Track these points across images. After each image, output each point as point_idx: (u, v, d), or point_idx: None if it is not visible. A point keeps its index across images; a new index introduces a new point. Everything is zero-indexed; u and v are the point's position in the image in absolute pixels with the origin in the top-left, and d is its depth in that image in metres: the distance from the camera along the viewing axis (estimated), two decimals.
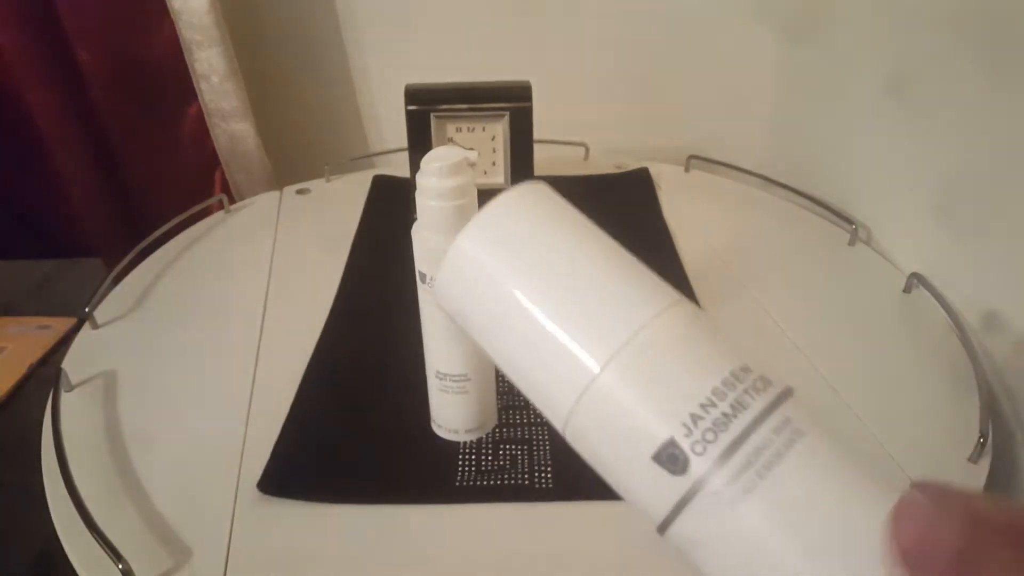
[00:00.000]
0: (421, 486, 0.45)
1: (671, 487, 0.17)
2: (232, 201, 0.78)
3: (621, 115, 0.92)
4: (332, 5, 0.88)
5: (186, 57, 0.80)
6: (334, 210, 0.77)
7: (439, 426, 0.47)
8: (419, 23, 0.88)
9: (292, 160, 0.93)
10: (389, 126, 0.96)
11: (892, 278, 0.64)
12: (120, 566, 0.38)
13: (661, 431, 0.18)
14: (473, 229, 0.22)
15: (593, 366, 0.19)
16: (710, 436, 0.17)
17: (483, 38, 0.88)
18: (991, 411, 0.48)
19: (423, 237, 0.40)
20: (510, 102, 0.67)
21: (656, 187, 0.80)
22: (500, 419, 0.49)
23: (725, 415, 0.17)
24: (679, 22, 0.86)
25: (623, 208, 0.77)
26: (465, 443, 0.47)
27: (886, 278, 0.64)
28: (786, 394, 0.18)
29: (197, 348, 0.57)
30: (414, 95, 0.67)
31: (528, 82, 0.67)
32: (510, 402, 0.50)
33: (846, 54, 0.72)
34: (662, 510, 0.18)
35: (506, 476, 0.45)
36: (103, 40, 0.81)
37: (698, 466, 0.17)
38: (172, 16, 0.77)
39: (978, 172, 0.57)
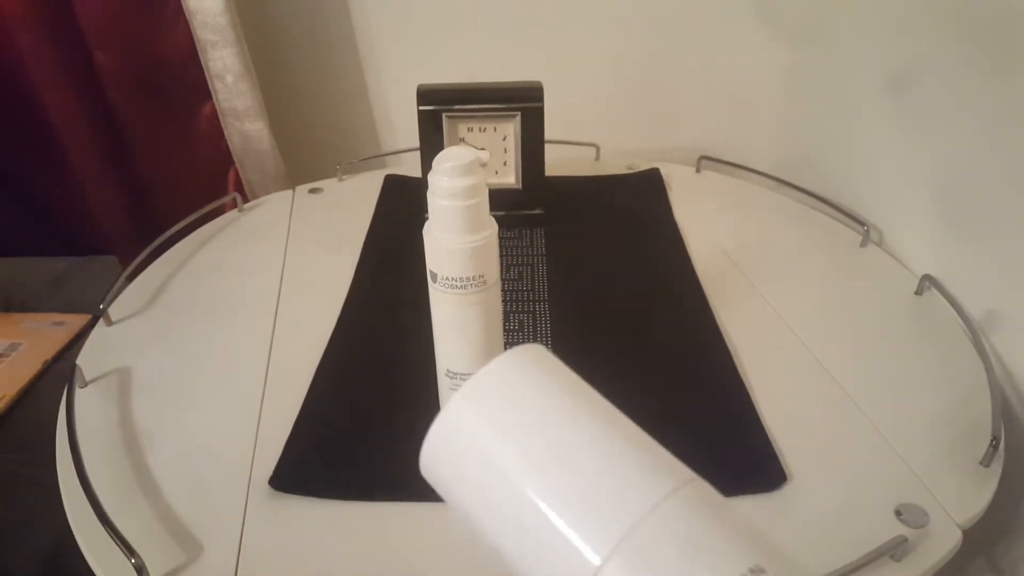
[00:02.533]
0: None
1: None
2: (245, 200, 0.79)
3: (632, 116, 0.92)
4: (345, 6, 0.89)
5: (200, 57, 0.80)
6: (346, 209, 0.77)
7: None
8: (431, 24, 0.89)
9: (305, 159, 0.94)
10: (401, 126, 0.96)
11: (904, 280, 0.63)
12: (133, 560, 0.38)
13: None
14: (462, 399, 0.21)
15: (591, 563, 0.17)
16: None
17: (495, 39, 0.89)
18: (1003, 414, 0.48)
19: (434, 236, 0.40)
20: (521, 102, 0.67)
21: (667, 188, 0.80)
22: None
23: None
24: (690, 23, 0.86)
25: (634, 209, 0.77)
26: None
27: (898, 280, 0.64)
28: None
29: (210, 345, 0.57)
30: (426, 95, 0.67)
31: (539, 83, 0.67)
32: None
33: (858, 55, 0.71)
34: None
35: None
36: (119, 40, 0.82)
37: None
38: (187, 16, 0.78)
39: (991, 173, 0.56)
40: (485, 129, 0.69)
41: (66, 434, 0.47)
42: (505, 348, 0.48)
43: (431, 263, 0.41)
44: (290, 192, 0.81)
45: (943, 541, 0.40)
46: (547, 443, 0.19)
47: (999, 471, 0.45)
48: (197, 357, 0.56)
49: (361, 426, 0.49)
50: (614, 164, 0.84)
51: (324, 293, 0.62)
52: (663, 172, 0.82)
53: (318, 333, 0.57)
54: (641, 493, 0.18)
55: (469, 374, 0.45)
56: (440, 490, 0.22)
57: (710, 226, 0.73)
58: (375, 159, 0.91)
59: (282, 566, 0.40)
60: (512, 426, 0.20)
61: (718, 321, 0.58)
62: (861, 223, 0.69)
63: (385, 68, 0.93)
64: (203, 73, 0.82)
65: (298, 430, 0.48)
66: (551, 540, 0.18)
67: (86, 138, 0.85)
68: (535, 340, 0.57)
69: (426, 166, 0.69)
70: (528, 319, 0.59)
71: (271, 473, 0.45)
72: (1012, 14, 0.53)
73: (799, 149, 0.83)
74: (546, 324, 0.59)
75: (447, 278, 0.41)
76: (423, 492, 0.45)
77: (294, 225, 0.75)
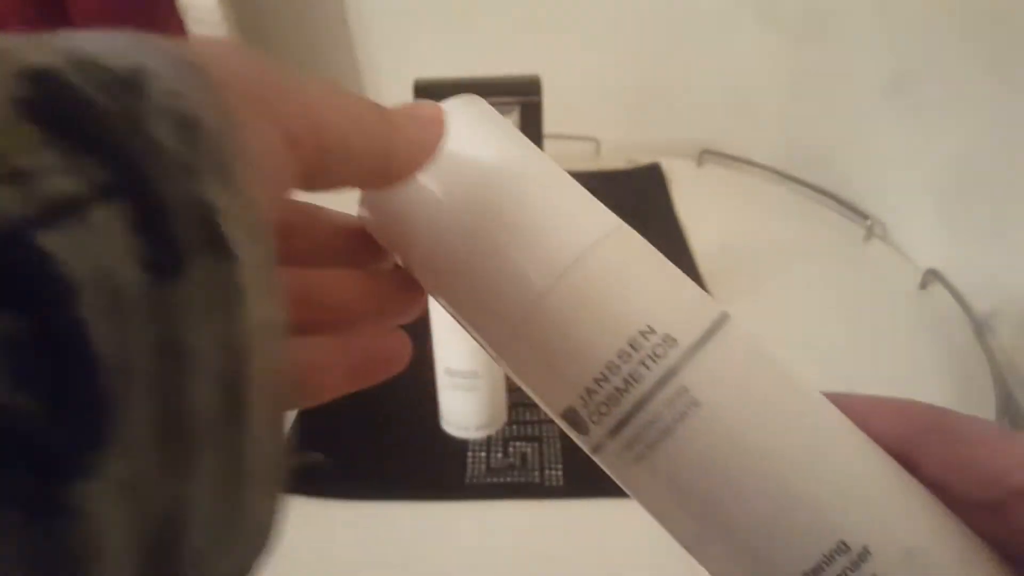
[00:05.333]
0: (431, 483, 0.45)
1: (580, 440, 0.19)
2: None
3: (632, 110, 0.91)
4: (340, 1, 0.88)
5: None
6: (343, 207, 0.76)
7: (449, 423, 0.47)
8: (428, 17, 0.88)
9: None
10: None
11: (908, 274, 0.63)
12: None
13: (564, 398, 0.19)
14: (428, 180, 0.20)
15: (535, 287, 0.19)
16: (603, 409, 0.18)
17: (492, 32, 0.88)
18: (1007, 408, 0.47)
19: None
20: (519, 96, 0.67)
21: (668, 182, 0.79)
22: (510, 416, 0.49)
23: (618, 390, 0.18)
24: (690, 16, 0.85)
25: (635, 204, 0.76)
26: (475, 440, 0.47)
27: (902, 274, 0.63)
28: (688, 355, 0.18)
29: None
30: (423, 90, 0.66)
31: (538, 76, 0.67)
32: (520, 399, 0.50)
33: (860, 48, 0.71)
34: (586, 447, 0.19)
35: (516, 473, 0.45)
36: None
37: (595, 432, 0.19)
38: (180, 11, 0.77)
39: (995, 167, 0.56)
40: None
41: None
42: None
43: None
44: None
45: None
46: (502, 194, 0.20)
47: None
48: None
49: (359, 426, 0.48)
50: (614, 158, 0.84)
51: None
52: (664, 166, 0.81)
53: None
54: (564, 243, 0.20)
55: (468, 372, 0.44)
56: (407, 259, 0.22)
57: (712, 221, 0.72)
58: None
59: (280, 564, 0.39)
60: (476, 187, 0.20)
61: None
62: (865, 217, 0.69)
63: (382, 62, 0.93)
64: None
65: (298, 430, 0.48)
66: (500, 267, 0.19)
67: None
68: None
69: None
70: None
71: None
72: (1018, 7, 0.52)
73: (802, 143, 0.82)
74: None
75: None
76: (422, 492, 0.44)
77: None
